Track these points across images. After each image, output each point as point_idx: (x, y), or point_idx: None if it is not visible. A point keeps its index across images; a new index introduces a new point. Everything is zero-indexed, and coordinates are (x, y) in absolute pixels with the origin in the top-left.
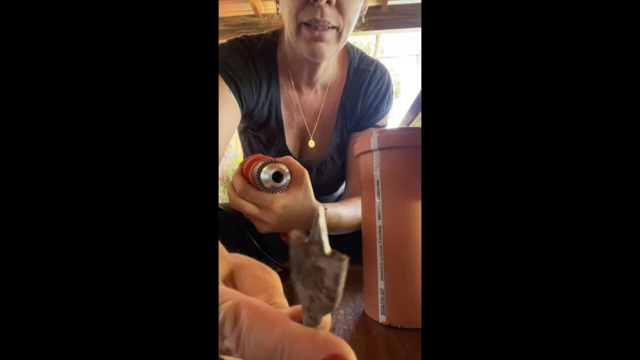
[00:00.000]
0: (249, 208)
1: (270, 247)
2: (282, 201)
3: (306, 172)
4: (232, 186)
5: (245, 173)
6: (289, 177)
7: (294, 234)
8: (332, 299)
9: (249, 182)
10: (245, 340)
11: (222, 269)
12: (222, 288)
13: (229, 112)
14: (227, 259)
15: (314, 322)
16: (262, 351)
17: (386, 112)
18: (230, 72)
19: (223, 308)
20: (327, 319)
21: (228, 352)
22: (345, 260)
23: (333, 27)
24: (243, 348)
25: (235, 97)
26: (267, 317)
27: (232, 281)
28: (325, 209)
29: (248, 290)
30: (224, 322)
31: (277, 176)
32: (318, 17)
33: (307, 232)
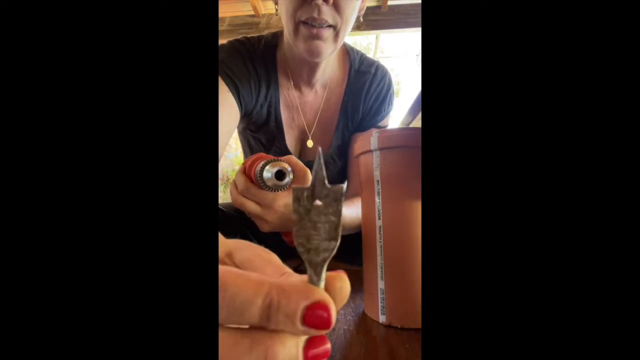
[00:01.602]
0: (251, 206)
1: (270, 247)
2: (284, 200)
3: (308, 171)
4: (235, 185)
5: (247, 172)
6: (291, 176)
7: (296, 187)
8: (336, 227)
9: (251, 181)
10: (229, 302)
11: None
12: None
13: (228, 112)
14: (223, 242)
15: (318, 278)
16: (252, 307)
17: (387, 113)
18: (229, 72)
19: None
20: (328, 275)
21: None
22: (343, 185)
23: (330, 26)
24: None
25: (234, 98)
26: (253, 277)
27: (231, 262)
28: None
29: (253, 267)
30: None
31: (280, 175)
32: (315, 15)
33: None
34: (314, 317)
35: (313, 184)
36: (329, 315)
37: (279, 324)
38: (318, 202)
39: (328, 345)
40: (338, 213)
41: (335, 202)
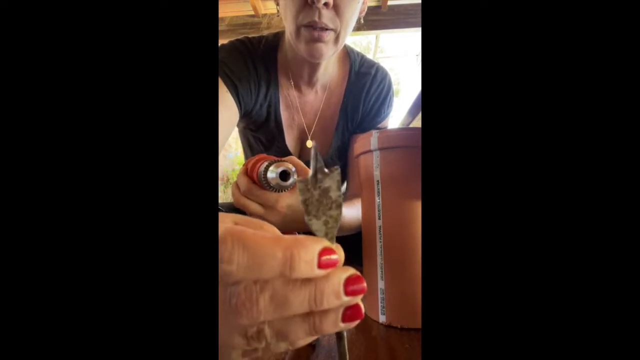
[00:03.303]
0: (254, 207)
1: None
2: (286, 201)
3: (310, 171)
4: (237, 186)
5: (249, 172)
6: (295, 177)
7: (300, 182)
8: (339, 205)
9: (254, 182)
10: (248, 258)
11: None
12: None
13: (226, 112)
14: (227, 215)
15: (332, 243)
16: (273, 260)
17: (387, 115)
18: (228, 72)
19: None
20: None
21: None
22: (338, 168)
23: (331, 29)
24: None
25: (233, 97)
26: (269, 235)
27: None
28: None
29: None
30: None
31: (284, 175)
32: (316, 19)
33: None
34: (325, 261)
35: (314, 174)
36: (337, 257)
37: (301, 270)
38: (325, 185)
39: (364, 284)
40: (340, 188)
41: (338, 183)
